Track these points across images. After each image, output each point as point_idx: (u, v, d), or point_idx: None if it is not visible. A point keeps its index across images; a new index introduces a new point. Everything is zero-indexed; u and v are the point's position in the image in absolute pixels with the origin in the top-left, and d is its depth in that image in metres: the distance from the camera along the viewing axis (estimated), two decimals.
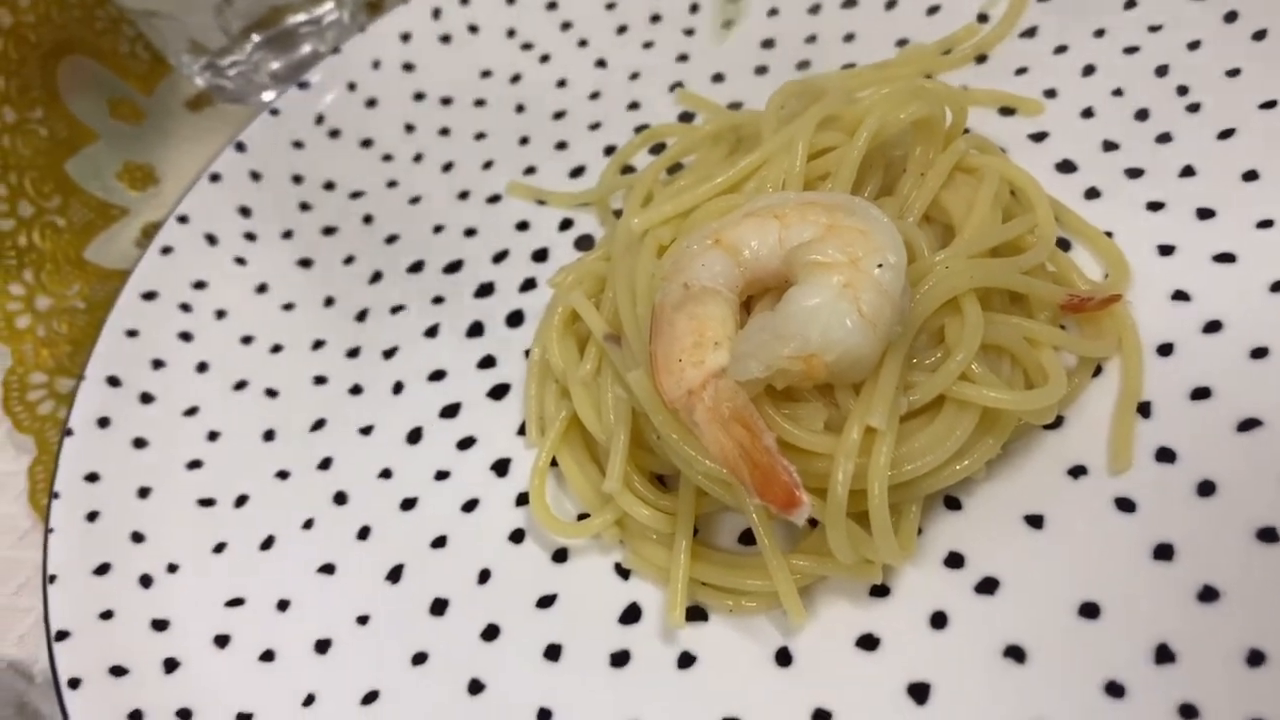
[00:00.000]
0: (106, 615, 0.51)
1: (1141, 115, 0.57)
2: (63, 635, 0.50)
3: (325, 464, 0.56)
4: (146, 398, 0.60)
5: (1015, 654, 0.43)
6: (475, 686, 0.47)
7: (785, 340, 0.42)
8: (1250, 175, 0.52)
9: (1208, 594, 0.42)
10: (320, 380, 0.60)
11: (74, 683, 0.48)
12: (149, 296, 0.63)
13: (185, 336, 0.62)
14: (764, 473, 0.42)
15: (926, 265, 0.47)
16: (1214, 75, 0.56)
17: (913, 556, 0.46)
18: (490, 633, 0.49)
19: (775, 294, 0.46)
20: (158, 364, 0.61)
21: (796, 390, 0.45)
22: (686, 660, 0.46)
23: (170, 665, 0.50)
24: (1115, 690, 0.41)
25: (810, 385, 0.44)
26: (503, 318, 0.60)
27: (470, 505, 0.53)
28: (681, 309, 0.46)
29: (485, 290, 0.61)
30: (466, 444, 0.56)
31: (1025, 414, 0.46)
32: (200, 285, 0.64)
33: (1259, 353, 0.47)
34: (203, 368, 0.61)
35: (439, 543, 0.52)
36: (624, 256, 0.53)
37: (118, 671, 0.49)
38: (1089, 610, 0.43)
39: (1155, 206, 0.53)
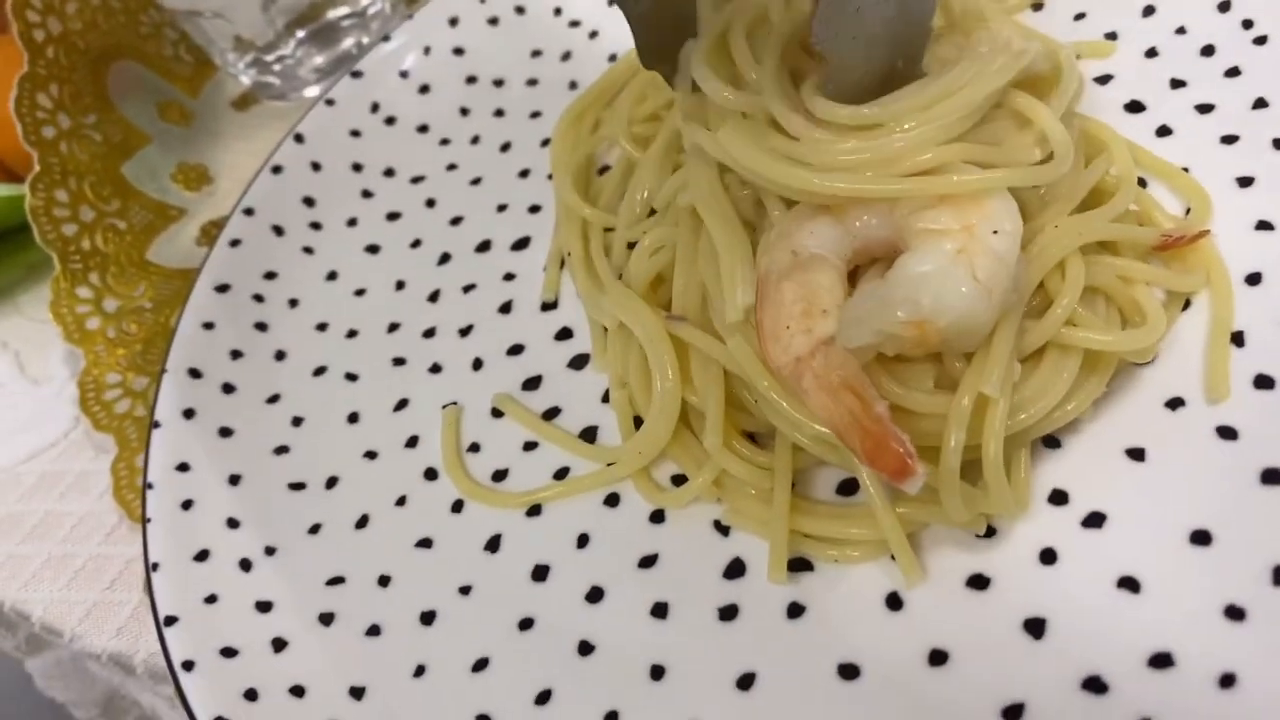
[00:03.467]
0: (211, 599, 0.52)
1: (1207, 51, 0.57)
2: (171, 620, 0.51)
3: (412, 442, 0.57)
4: (228, 388, 0.60)
5: (1130, 584, 0.43)
6: (585, 648, 0.48)
7: (896, 305, 0.42)
8: None
9: None
10: (399, 361, 0.60)
11: (188, 665, 0.49)
12: (222, 289, 0.64)
13: (260, 326, 0.63)
14: (876, 441, 0.42)
15: (1037, 225, 0.47)
16: (1278, 6, 0.56)
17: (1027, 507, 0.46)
18: (594, 595, 0.49)
19: (883, 264, 0.46)
20: (236, 354, 0.61)
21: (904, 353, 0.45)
22: (796, 610, 0.46)
23: (279, 645, 0.50)
24: (1235, 614, 0.41)
25: (921, 354, 0.44)
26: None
27: (561, 473, 0.54)
28: (789, 276, 0.45)
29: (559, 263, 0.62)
30: (551, 414, 0.56)
31: (1129, 354, 0.46)
32: (271, 276, 0.65)
33: None
34: (280, 356, 0.62)
35: (534, 511, 0.53)
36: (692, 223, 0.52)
37: (228, 653, 0.50)
38: (1200, 537, 0.43)
39: (1229, 140, 0.53)
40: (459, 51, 0.73)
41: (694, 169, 0.51)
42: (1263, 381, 0.46)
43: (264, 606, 0.52)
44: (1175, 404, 0.47)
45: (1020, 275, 0.44)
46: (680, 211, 0.53)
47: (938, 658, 0.43)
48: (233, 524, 0.55)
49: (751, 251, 0.49)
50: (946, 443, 0.43)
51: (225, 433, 0.59)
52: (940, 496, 0.44)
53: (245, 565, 0.53)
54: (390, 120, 0.71)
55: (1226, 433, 0.45)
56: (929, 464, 0.43)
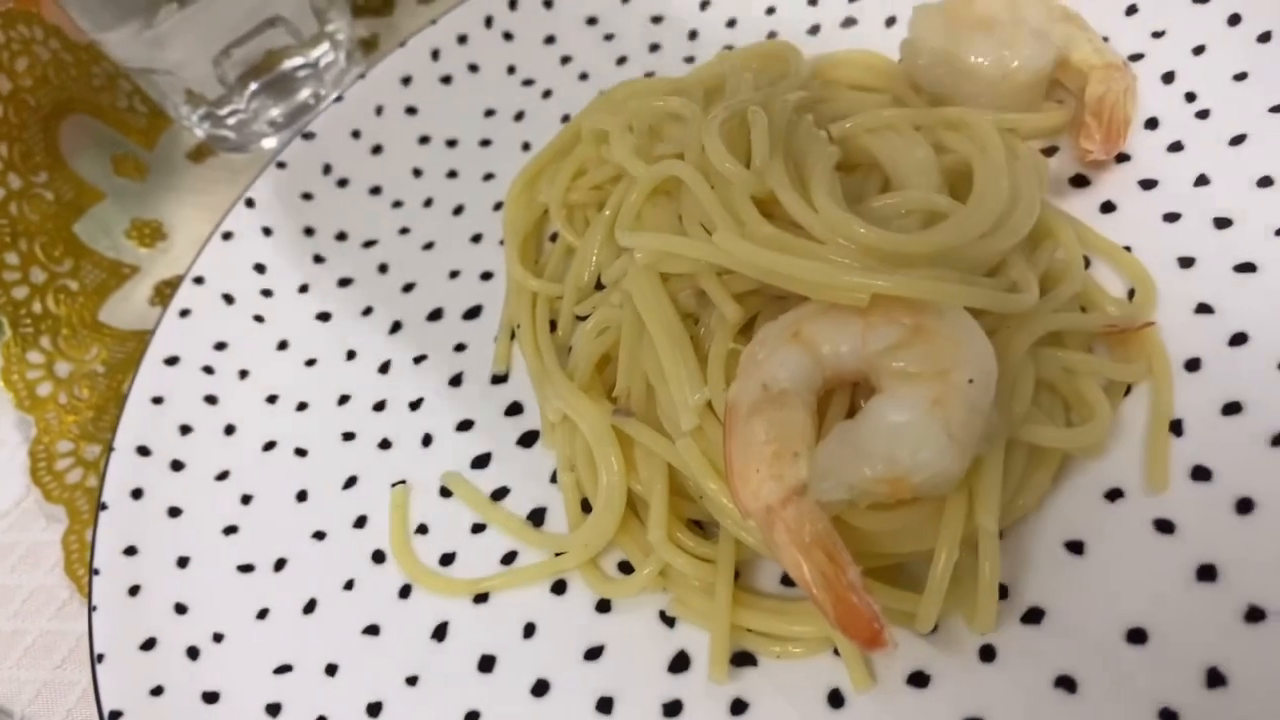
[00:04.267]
0: (157, 691, 0.52)
1: (1151, 124, 0.57)
2: (116, 715, 0.50)
3: (360, 522, 0.57)
4: (177, 465, 0.60)
5: (1066, 684, 0.43)
6: None
7: (870, 460, 0.41)
8: (1265, 181, 0.52)
9: (1254, 614, 0.42)
10: (349, 436, 0.60)
11: None
12: (171, 362, 0.63)
13: (210, 400, 0.62)
14: (848, 608, 0.41)
15: (992, 324, 0.47)
16: (1221, 80, 0.56)
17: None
18: (540, 688, 0.49)
19: (847, 392, 0.45)
20: (185, 429, 0.61)
21: None
22: (739, 707, 0.46)
23: None
24: (1169, 717, 0.41)
25: (890, 502, 0.43)
26: None
27: (510, 557, 0.53)
28: (759, 413, 0.44)
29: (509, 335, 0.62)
30: (500, 494, 0.56)
31: (1078, 450, 0.46)
32: (221, 346, 0.64)
33: None
34: (230, 430, 0.61)
35: (481, 599, 0.53)
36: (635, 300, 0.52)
37: None
38: (1137, 636, 0.43)
39: (1172, 218, 0.53)
40: (412, 111, 0.73)
41: (630, 267, 0.51)
42: (1200, 473, 0.46)
43: (211, 697, 0.52)
44: (1114, 495, 0.47)
45: (995, 419, 0.43)
46: (625, 294, 0.53)
47: None
48: (180, 609, 0.55)
49: (692, 347, 0.49)
50: (936, 563, 0.44)
51: (174, 513, 0.58)
52: (918, 618, 0.44)
53: (193, 653, 0.53)
54: (343, 182, 0.71)
55: (1164, 526, 0.45)
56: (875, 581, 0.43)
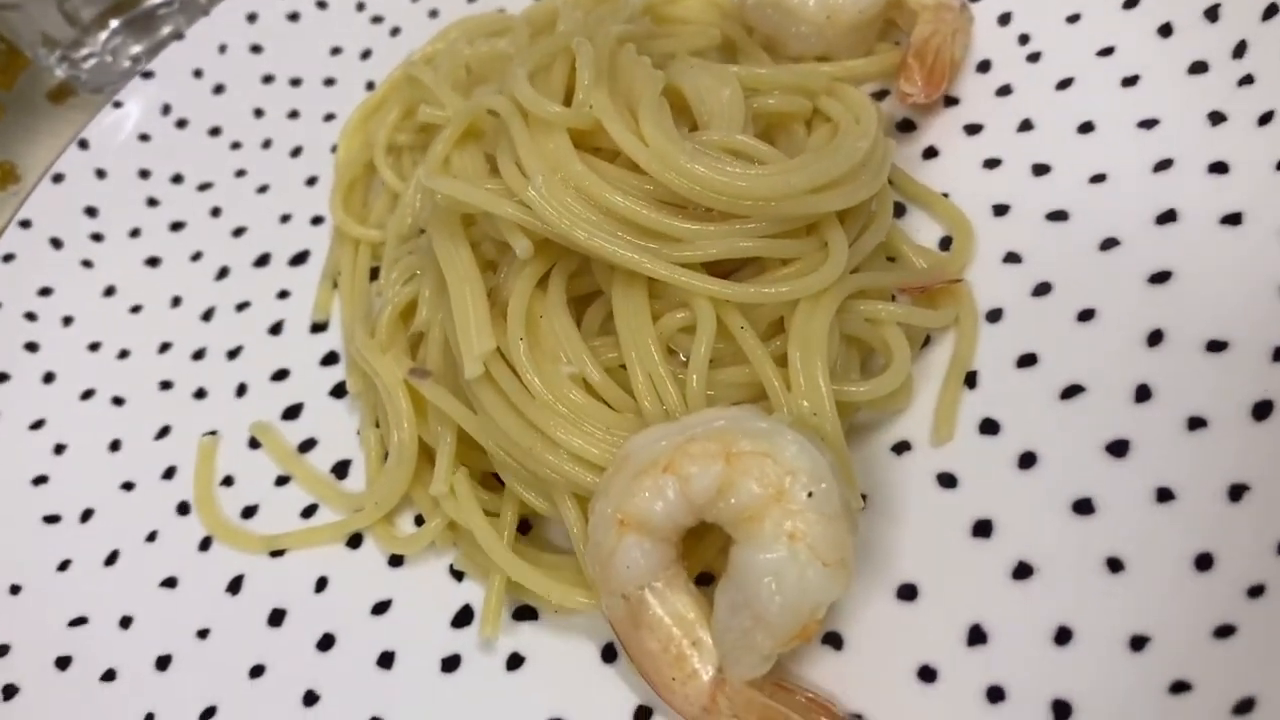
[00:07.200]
0: None
1: (983, 67, 0.55)
2: None
3: (169, 473, 0.55)
4: None
5: (834, 641, 0.42)
6: (310, 698, 0.47)
7: (770, 627, 0.39)
8: (1086, 127, 0.50)
9: (1022, 570, 0.41)
10: (166, 385, 0.59)
11: None
12: None
13: (31, 347, 0.61)
14: None
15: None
16: (1055, 21, 0.54)
17: None
18: (326, 642, 0.48)
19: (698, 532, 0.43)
20: (2, 377, 0.59)
21: None
22: (516, 661, 0.46)
23: (9, 692, 0.49)
24: (927, 675, 0.40)
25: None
26: None
27: (309, 511, 0.52)
28: (639, 624, 0.42)
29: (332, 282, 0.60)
30: (307, 446, 0.55)
31: (877, 403, 0.46)
32: (46, 292, 0.63)
33: (1085, 315, 0.46)
34: (49, 378, 0.60)
35: (278, 552, 0.51)
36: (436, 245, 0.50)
37: None
38: (907, 592, 0.42)
39: (992, 164, 0.52)
40: (256, 49, 0.70)
41: (434, 209, 0.49)
42: (988, 426, 0.45)
43: (0, 650, 0.51)
44: (902, 448, 0.46)
45: (850, 499, 0.41)
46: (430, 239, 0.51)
47: (643, 713, 0.43)
48: None
49: (485, 295, 0.47)
50: None
51: None
52: None
53: None
54: (182, 123, 0.68)
55: (946, 480, 0.44)
56: None
